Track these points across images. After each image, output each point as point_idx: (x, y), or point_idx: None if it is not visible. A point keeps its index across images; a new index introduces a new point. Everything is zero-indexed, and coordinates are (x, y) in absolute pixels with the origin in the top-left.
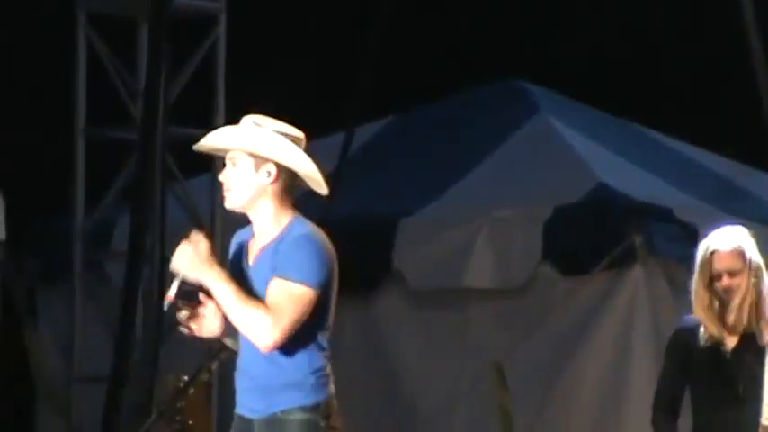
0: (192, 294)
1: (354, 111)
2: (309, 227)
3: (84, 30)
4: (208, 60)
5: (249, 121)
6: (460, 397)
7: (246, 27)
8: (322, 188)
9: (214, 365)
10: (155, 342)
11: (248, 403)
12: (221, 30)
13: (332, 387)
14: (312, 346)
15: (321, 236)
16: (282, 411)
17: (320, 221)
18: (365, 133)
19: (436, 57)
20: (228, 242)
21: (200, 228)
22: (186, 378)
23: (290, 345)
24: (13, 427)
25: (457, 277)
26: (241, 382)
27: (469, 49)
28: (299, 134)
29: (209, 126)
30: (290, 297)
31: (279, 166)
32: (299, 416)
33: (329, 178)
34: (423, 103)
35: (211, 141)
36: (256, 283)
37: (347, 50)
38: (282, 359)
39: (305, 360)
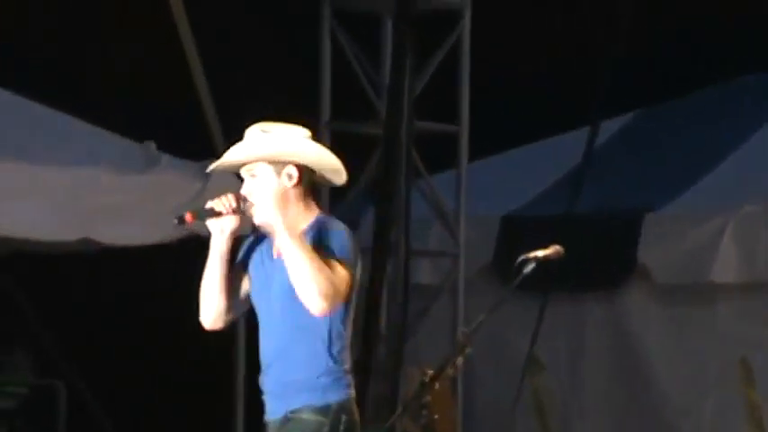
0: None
1: (598, 106)
2: (337, 221)
3: (330, 25)
4: (452, 55)
5: (256, 129)
6: (707, 393)
7: (490, 22)
8: (341, 177)
9: (459, 360)
10: (399, 336)
11: (269, 406)
12: (466, 25)
13: (349, 391)
14: (331, 349)
15: (349, 231)
16: (292, 411)
17: (564, 217)
18: (609, 129)
19: (681, 51)
20: (473, 237)
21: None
22: (431, 372)
23: (306, 344)
24: (259, 421)
25: (703, 272)
26: (265, 386)
27: (713, 42)
28: (306, 131)
29: (454, 121)
30: (340, 272)
31: (298, 166)
32: (307, 416)
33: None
34: (667, 98)
35: (228, 159)
36: (279, 272)
37: (591, 46)
38: (297, 359)
39: (322, 363)
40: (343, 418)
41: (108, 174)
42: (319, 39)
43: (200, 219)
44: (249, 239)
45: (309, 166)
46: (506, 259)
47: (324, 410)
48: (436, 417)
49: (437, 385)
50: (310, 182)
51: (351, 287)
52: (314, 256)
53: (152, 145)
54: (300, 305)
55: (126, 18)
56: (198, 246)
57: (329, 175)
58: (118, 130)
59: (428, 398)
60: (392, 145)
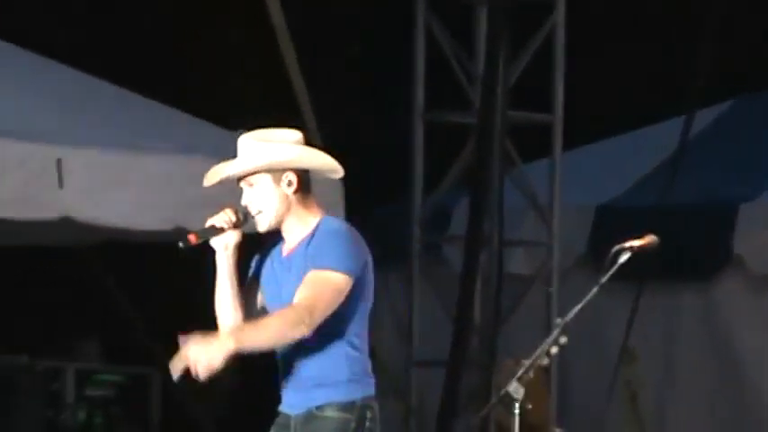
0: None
1: (694, 95)
2: (339, 222)
3: (424, 15)
4: (546, 44)
5: (248, 138)
6: None
7: (584, 11)
8: (338, 173)
9: (553, 350)
10: (493, 326)
11: (287, 399)
12: (560, 14)
13: (371, 388)
14: (348, 344)
15: (352, 231)
16: (317, 408)
17: (659, 207)
18: (705, 118)
19: None
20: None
21: (539, 211)
22: (525, 362)
23: (326, 341)
24: None
25: None
26: (283, 379)
27: None
28: (298, 133)
29: (548, 110)
30: (320, 282)
31: (295, 171)
32: (332, 413)
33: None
34: (765, 87)
35: (225, 172)
36: (289, 282)
37: (687, 33)
38: (319, 356)
39: (341, 358)
40: (368, 414)
41: (203, 163)
42: (413, 29)
43: (204, 238)
44: (255, 264)
45: (310, 169)
46: (601, 249)
47: (349, 407)
48: (530, 407)
49: (531, 375)
50: (308, 182)
51: (339, 287)
52: (259, 323)
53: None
54: None
55: (220, 6)
56: None
57: (327, 174)
58: (212, 119)
59: (522, 388)
60: (486, 135)
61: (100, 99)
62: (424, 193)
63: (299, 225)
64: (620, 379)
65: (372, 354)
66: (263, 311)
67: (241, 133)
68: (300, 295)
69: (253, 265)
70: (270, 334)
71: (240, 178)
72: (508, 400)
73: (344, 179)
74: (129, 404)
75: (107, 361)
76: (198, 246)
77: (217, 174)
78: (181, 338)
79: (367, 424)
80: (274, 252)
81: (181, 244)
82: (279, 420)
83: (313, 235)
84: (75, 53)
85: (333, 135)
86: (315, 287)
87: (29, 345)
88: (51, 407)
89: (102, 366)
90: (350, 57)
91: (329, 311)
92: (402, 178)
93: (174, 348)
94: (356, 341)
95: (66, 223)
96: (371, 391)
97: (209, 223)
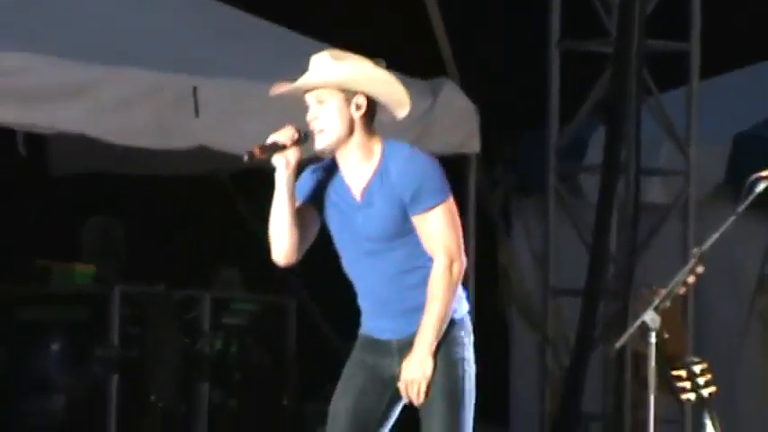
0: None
1: None
2: (406, 146)
3: None
4: None
5: (325, 56)
6: None
7: None
8: (405, 109)
9: (690, 279)
10: (630, 255)
11: (385, 325)
12: None
13: (466, 303)
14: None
15: (417, 147)
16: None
17: None
18: None
19: None
20: (704, 156)
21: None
22: (662, 291)
23: (421, 264)
24: (488, 339)
25: None
26: (372, 308)
27: None
28: (380, 60)
29: (685, 38)
30: (444, 221)
31: (367, 96)
32: (448, 331)
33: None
34: None
35: (300, 83)
36: (373, 219)
37: None
38: (419, 280)
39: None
40: (470, 328)
41: None
42: None
43: (269, 153)
44: (309, 169)
45: (378, 97)
46: (738, 178)
47: (460, 323)
48: (666, 336)
49: (668, 305)
50: (375, 110)
51: (455, 213)
52: (431, 315)
53: (383, 62)
54: (398, 244)
55: None
56: None
57: (394, 108)
58: (348, 48)
59: (658, 318)
60: (623, 63)
61: (235, 29)
62: (561, 122)
63: (360, 151)
64: (755, 309)
65: (502, 283)
66: (314, 232)
67: (379, 62)
68: (434, 240)
69: (304, 181)
70: (444, 307)
71: (307, 92)
72: (645, 330)
73: (481, 108)
74: (265, 333)
75: (245, 290)
76: (262, 160)
77: (287, 84)
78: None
79: (472, 338)
80: (335, 185)
81: (246, 157)
82: (369, 345)
83: (384, 164)
84: None
85: (469, 64)
86: (445, 230)
87: (167, 274)
88: (187, 335)
89: (239, 295)
90: None
91: (461, 240)
92: (539, 108)
93: (308, 277)
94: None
95: (202, 152)
96: (467, 306)
97: (271, 139)
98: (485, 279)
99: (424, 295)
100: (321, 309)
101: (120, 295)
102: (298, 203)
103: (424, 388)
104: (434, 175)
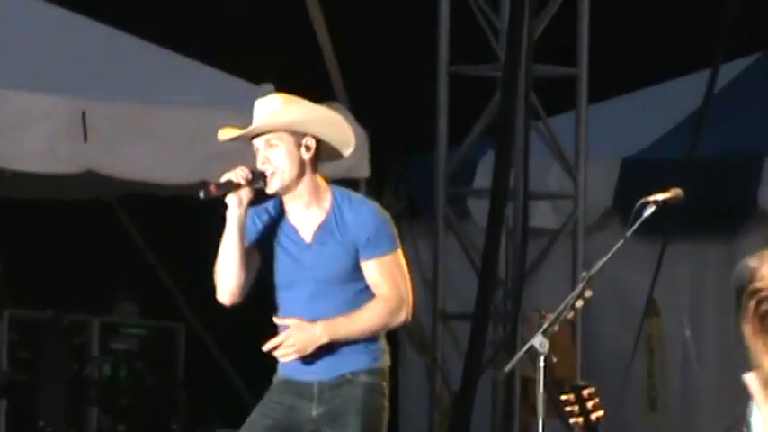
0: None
1: (721, 47)
2: (350, 191)
3: None
4: None
5: (272, 99)
6: None
7: None
8: (350, 149)
9: (579, 303)
10: (518, 280)
11: (307, 367)
12: None
13: (389, 358)
14: None
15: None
16: (352, 373)
17: (684, 161)
18: (731, 70)
19: None
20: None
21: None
22: (550, 316)
23: (348, 309)
24: None
25: None
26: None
27: None
28: (330, 105)
29: (573, 64)
30: (395, 266)
31: (315, 137)
32: (366, 378)
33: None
34: None
35: (252, 128)
36: (324, 260)
37: None
38: None
39: None
40: (389, 380)
41: (226, 116)
42: None
43: (223, 190)
44: (252, 210)
45: (326, 138)
46: (626, 202)
47: (379, 371)
48: (555, 360)
49: (556, 329)
50: (320, 153)
51: (403, 262)
52: (356, 316)
53: (270, 87)
54: (342, 289)
55: None
56: None
57: (341, 148)
58: (236, 72)
59: (547, 342)
60: (511, 88)
61: (125, 52)
62: (450, 146)
63: (310, 192)
64: (644, 332)
65: None
66: (260, 273)
67: (267, 88)
68: (386, 285)
69: (251, 222)
70: (371, 325)
71: (256, 137)
72: (533, 354)
73: (370, 132)
74: (155, 358)
75: (135, 315)
76: (216, 197)
77: (235, 130)
78: (276, 320)
79: (388, 389)
80: (283, 226)
81: (201, 194)
82: (288, 387)
83: (336, 208)
84: (101, 6)
85: (358, 89)
86: (392, 274)
87: (55, 299)
88: (77, 360)
89: (128, 320)
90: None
91: (411, 293)
92: (428, 131)
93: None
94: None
95: (90, 177)
96: (388, 356)
97: (225, 178)
98: None
99: (354, 343)
100: (210, 334)
101: (10, 319)
102: (252, 240)
103: (297, 348)
104: (388, 223)
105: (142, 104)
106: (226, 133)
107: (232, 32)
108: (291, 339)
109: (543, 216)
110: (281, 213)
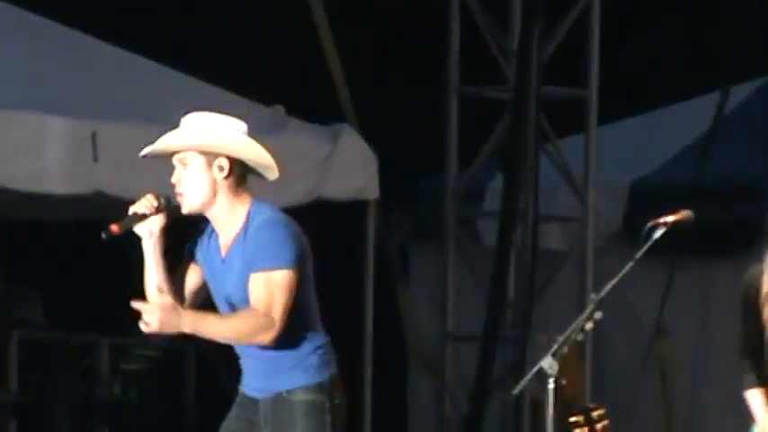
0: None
1: (730, 70)
2: (269, 210)
3: None
4: (582, 19)
5: (192, 119)
6: None
7: None
8: (273, 173)
9: (588, 325)
10: (527, 302)
11: (253, 383)
12: None
13: (334, 365)
14: (307, 326)
15: (282, 216)
16: (287, 391)
17: (694, 183)
18: (741, 92)
19: None
20: (601, 203)
21: (572, 185)
22: (559, 338)
23: (287, 327)
24: (386, 386)
25: None
26: (245, 363)
27: None
28: (242, 123)
29: (583, 85)
30: (273, 286)
31: (230, 158)
32: (304, 396)
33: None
34: None
35: (160, 145)
36: (231, 281)
37: (722, 8)
38: (282, 341)
39: (304, 340)
40: (336, 393)
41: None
42: (448, 3)
43: (127, 227)
44: (199, 242)
45: (243, 160)
46: (635, 225)
47: (318, 388)
48: (564, 382)
49: (565, 351)
50: (243, 174)
51: (291, 284)
52: (227, 318)
53: (281, 109)
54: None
55: None
56: (326, 208)
57: (262, 171)
58: (246, 94)
59: (556, 364)
60: (520, 110)
61: (135, 73)
62: (459, 168)
63: (227, 213)
64: (653, 354)
65: (402, 328)
66: (193, 297)
67: (277, 109)
68: (259, 302)
69: (187, 249)
70: (235, 332)
71: (175, 154)
72: (542, 376)
73: (379, 154)
74: (164, 379)
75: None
76: (122, 235)
77: (153, 146)
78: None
79: (336, 401)
80: (211, 243)
81: (103, 235)
82: (244, 402)
83: (247, 228)
84: (111, 28)
85: (368, 111)
86: (267, 292)
87: (66, 319)
88: (86, 381)
89: (137, 341)
90: (385, 31)
91: (288, 311)
92: (437, 153)
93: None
94: (312, 322)
95: (99, 197)
96: (335, 368)
97: (131, 211)
98: (383, 326)
99: (288, 359)
100: (220, 355)
101: (19, 341)
102: (186, 260)
103: (154, 326)
104: (281, 243)
105: (152, 125)
106: (147, 149)
107: (243, 54)
108: (153, 316)
109: (552, 238)
110: (214, 231)
